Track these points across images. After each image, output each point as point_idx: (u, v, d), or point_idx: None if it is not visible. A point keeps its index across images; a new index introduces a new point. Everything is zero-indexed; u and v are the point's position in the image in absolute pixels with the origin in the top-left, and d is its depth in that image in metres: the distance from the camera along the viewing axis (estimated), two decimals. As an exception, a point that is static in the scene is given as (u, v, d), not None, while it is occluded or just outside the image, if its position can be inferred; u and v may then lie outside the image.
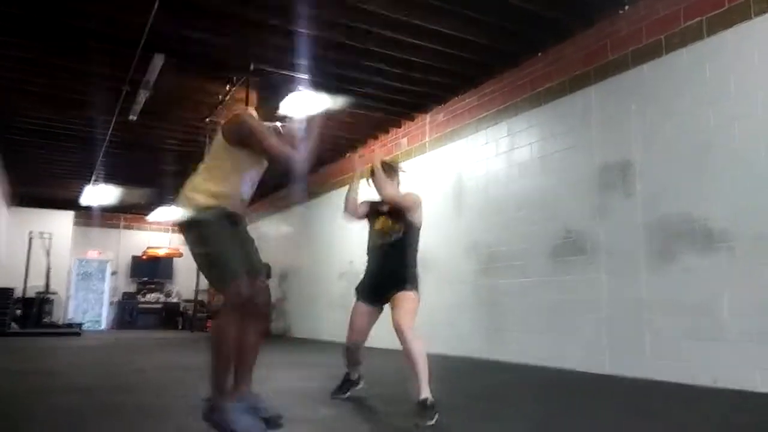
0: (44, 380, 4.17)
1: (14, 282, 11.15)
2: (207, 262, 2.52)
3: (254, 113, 2.73)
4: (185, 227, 2.59)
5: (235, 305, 2.43)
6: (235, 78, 6.29)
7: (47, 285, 11.95)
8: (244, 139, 2.58)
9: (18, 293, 11.19)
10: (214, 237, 2.50)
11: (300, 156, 2.66)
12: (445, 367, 5.51)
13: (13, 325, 10.21)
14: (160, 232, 15.71)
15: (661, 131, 4.46)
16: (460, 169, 6.61)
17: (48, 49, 5.78)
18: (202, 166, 2.69)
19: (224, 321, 2.45)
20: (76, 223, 13.76)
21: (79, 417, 2.78)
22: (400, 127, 7.86)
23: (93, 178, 10.57)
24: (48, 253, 12.06)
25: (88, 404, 3.19)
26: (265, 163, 2.75)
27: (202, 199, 2.55)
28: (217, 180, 2.60)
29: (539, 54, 5.64)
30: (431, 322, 6.71)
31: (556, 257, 5.22)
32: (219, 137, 2.65)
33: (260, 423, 2.43)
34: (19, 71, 6.29)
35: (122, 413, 2.76)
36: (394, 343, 2.93)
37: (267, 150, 2.58)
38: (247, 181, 2.68)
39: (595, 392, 3.94)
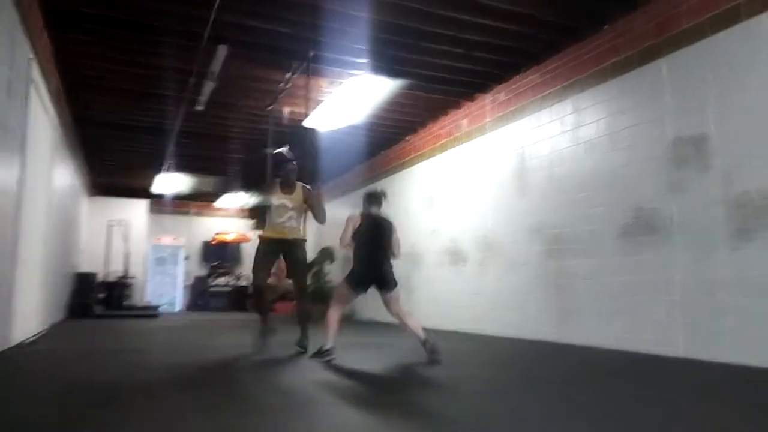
0: (132, 357, 4.46)
1: (96, 267, 11.91)
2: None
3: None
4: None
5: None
6: (294, 65, 6.37)
7: (126, 270, 12.68)
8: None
9: (100, 278, 11.94)
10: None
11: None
12: (513, 350, 5.47)
13: (98, 307, 10.90)
14: (228, 218, 16.28)
15: (740, 102, 4.20)
16: (523, 149, 6.48)
17: (122, 46, 6.06)
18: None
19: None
20: (151, 211, 14.45)
21: (165, 391, 2.96)
22: (459, 108, 7.75)
23: (165, 167, 11.06)
24: (125, 240, 12.76)
25: (171, 379, 3.38)
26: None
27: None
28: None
29: (605, 27, 5.42)
30: (498, 305, 6.69)
31: (626, 237, 5.05)
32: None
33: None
34: (97, 68, 6.65)
35: (199, 386, 2.91)
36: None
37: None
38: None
39: (670, 376, 3.80)
